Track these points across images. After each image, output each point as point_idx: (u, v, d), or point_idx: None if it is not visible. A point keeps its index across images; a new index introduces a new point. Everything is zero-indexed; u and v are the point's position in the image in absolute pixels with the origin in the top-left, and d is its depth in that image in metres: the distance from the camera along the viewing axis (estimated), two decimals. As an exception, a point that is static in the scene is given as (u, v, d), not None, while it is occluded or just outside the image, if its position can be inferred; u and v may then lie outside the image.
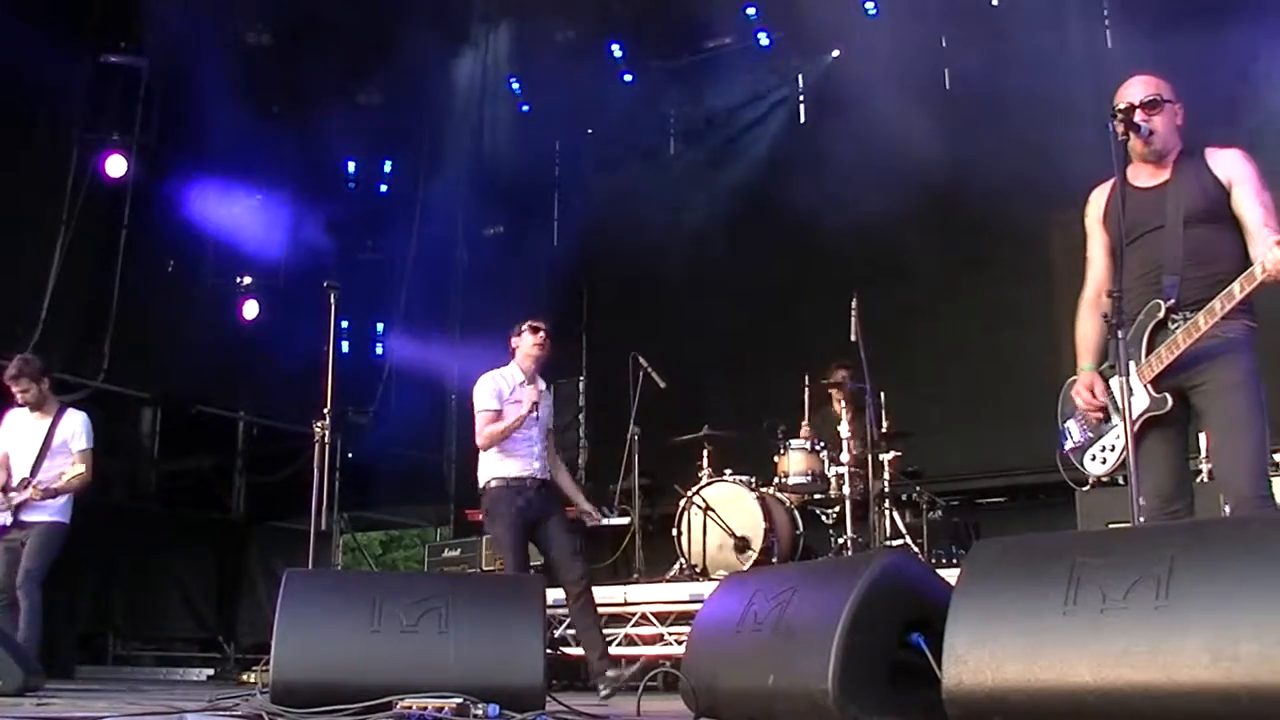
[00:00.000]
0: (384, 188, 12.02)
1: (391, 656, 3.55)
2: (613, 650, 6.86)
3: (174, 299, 10.05)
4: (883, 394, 7.13)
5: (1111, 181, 3.68)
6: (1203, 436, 6.49)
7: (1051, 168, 8.62)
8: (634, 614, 6.74)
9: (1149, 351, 3.50)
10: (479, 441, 5.63)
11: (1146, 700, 2.26)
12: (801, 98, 10.70)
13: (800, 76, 10.67)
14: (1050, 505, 7.37)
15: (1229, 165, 3.50)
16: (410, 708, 3.28)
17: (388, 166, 11.99)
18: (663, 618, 6.65)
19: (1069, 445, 3.88)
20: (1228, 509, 3.46)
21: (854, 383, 7.00)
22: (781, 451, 7.28)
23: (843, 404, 7.08)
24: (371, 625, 3.59)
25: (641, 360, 7.94)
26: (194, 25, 9.33)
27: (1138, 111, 3.53)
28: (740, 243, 9.47)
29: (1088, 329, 3.77)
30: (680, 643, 6.17)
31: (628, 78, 10.88)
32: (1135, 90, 3.59)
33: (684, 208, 10.24)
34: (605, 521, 8.62)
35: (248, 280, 10.58)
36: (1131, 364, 3.46)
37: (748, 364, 9.46)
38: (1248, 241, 3.41)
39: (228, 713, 3.83)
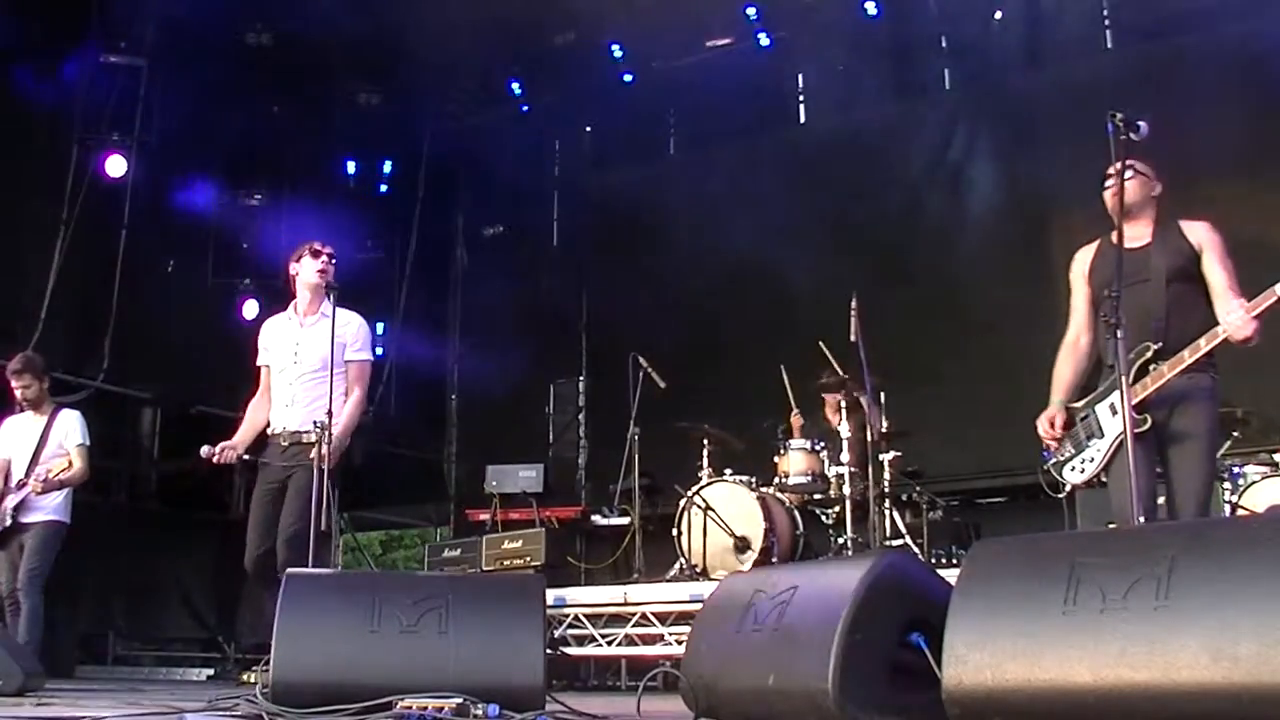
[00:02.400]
0: (384, 188, 12.01)
1: (391, 656, 3.54)
2: (613, 650, 6.88)
3: (174, 299, 10.04)
4: (883, 394, 7.12)
5: (1095, 243, 4.24)
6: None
7: (1051, 167, 8.65)
8: (634, 614, 6.73)
9: (1134, 382, 3.85)
10: None
11: (1146, 700, 2.26)
12: (801, 98, 10.70)
13: (800, 76, 10.67)
14: (1050, 505, 7.36)
15: (1200, 234, 4.02)
16: (410, 708, 3.28)
17: (388, 166, 11.97)
18: (663, 618, 6.64)
19: (1051, 461, 4.31)
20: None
21: (853, 383, 6.99)
22: (781, 451, 7.27)
23: (842, 407, 7.06)
24: (371, 625, 3.59)
25: (641, 360, 7.94)
26: (194, 25, 9.33)
27: (1109, 179, 4.01)
28: (740, 243, 9.46)
29: (1064, 369, 4.27)
30: (680, 643, 6.17)
31: (628, 78, 10.87)
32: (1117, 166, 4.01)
33: (684, 207, 10.24)
34: (604, 522, 8.67)
35: (247, 280, 10.58)
36: (1117, 394, 3.85)
37: (748, 364, 9.45)
38: (1213, 300, 3.93)
39: (228, 713, 3.83)
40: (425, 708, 3.26)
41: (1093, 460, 4.08)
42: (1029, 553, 2.75)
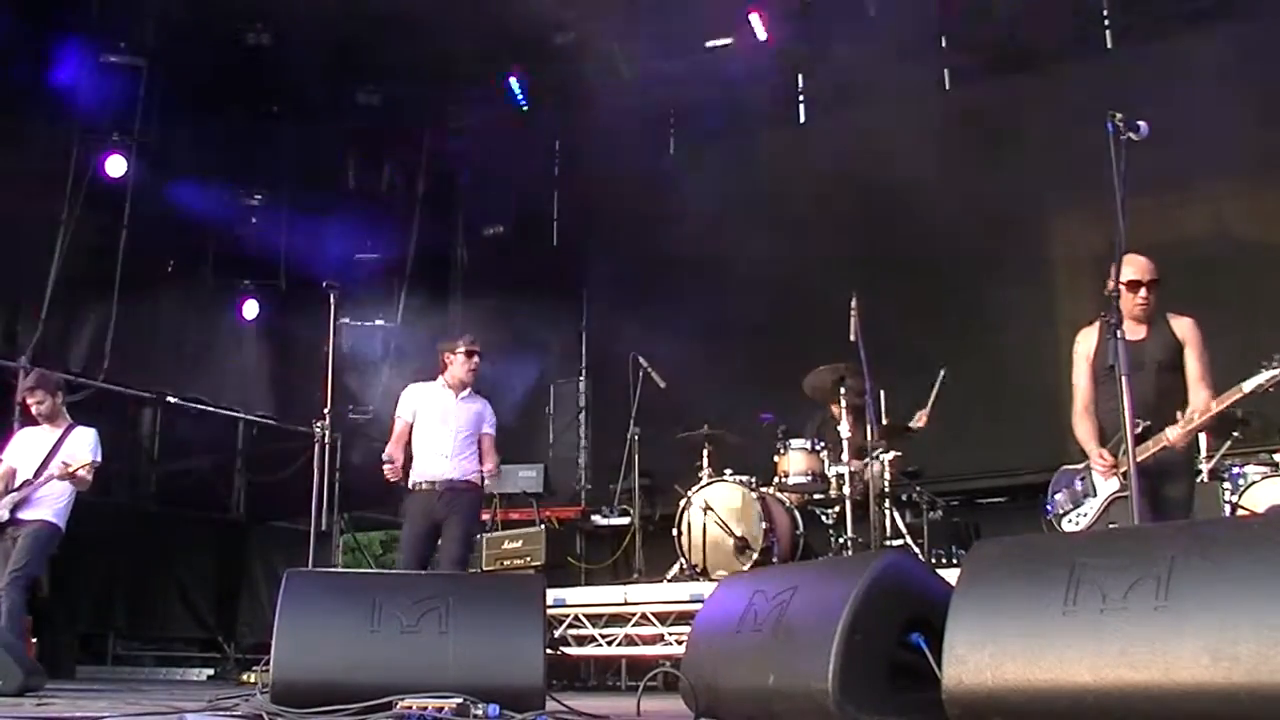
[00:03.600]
0: (384, 187, 12.01)
1: (391, 656, 3.54)
2: (613, 650, 6.88)
3: (174, 299, 10.04)
4: (883, 394, 7.12)
5: (1096, 325, 4.67)
6: (1203, 436, 6.59)
7: (1052, 168, 8.64)
8: (634, 614, 6.74)
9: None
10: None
11: (1146, 700, 2.26)
12: (801, 98, 10.70)
13: (800, 76, 10.67)
14: (1050, 505, 7.38)
15: (1184, 331, 4.60)
16: (410, 708, 3.28)
17: (387, 166, 11.97)
18: (663, 618, 6.65)
19: (1052, 511, 4.84)
20: None
21: (854, 382, 6.98)
22: (781, 451, 7.27)
23: (843, 405, 7.06)
24: (371, 625, 3.59)
25: (641, 360, 7.93)
26: (194, 25, 9.33)
27: (1142, 289, 4.51)
28: (740, 243, 9.47)
29: (1084, 430, 4.74)
30: (680, 643, 6.17)
31: (628, 78, 10.86)
32: (1143, 269, 4.53)
33: (684, 207, 10.23)
34: (604, 522, 8.67)
35: (247, 280, 10.58)
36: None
37: (748, 364, 9.45)
38: (1189, 388, 4.52)
39: (228, 713, 3.83)
40: (425, 708, 3.26)
41: (1085, 515, 4.69)
42: (1029, 553, 2.75)
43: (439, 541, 6.06)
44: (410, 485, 6.09)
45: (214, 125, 9.84)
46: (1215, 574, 2.28)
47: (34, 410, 6.20)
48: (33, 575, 5.96)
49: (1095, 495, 4.68)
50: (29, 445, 6.20)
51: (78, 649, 9.39)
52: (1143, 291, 4.56)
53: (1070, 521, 4.75)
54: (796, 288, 9.16)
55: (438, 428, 6.09)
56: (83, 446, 6.13)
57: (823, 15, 9.89)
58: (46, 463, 6.06)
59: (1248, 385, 4.27)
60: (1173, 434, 4.39)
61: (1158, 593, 2.32)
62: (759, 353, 9.37)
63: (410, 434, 6.15)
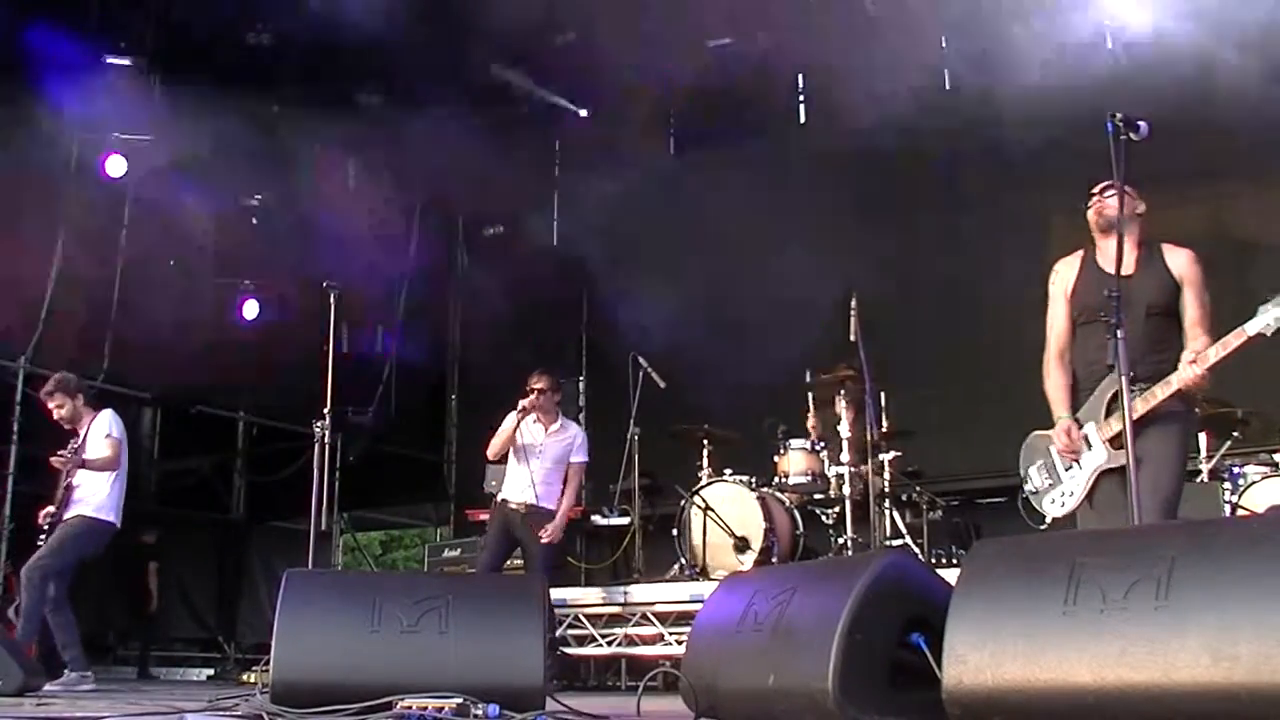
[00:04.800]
0: (384, 188, 11.99)
1: (391, 656, 3.55)
2: (612, 650, 6.88)
3: (174, 299, 10.04)
4: (883, 394, 7.12)
5: (1078, 255, 4.21)
6: (1203, 436, 6.57)
7: (1052, 167, 8.64)
8: (634, 614, 6.75)
9: (1107, 415, 3.97)
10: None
11: (1146, 700, 2.26)
12: (801, 98, 10.69)
13: (800, 76, 10.66)
14: (1050, 505, 7.38)
15: (1182, 266, 4.03)
16: (410, 708, 3.28)
17: (387, 166, 11.95)
18: (663, 618, 6.65)
19: (1029, 489, 4.27)
20: None
21: (854, 383, 6.99)
22: (781, 451, 7.27)
23: (844, 404, 7.07)
24: (371, 625, 3.60)
25: (641, 360, 7.94)
26: (194, 25, 9.32)
27: (1094, 197, 4.07)
28: (740, 242, 9.47)
29: (1055, 383, 4.18)
30: (680, 643, 6.18)
31: (628, 78, 10.86)
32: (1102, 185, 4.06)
33: (683, 207, 10.23)
34: (604, 522, 8.67)
35: (247, 280, 10.58)
36: (1093, 424, 4.01)
37: (748, 364, 9.45)
38: (1185, 335, 3.96)
39: (228, 713, 3.83)
40: (425, 708, 3.26)
41: (1071, 494, 4.09)
42: (1029, 553, 2.75)
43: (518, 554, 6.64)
44: (499, 499, 6.59)
45: (214, 125, 9.83)
46: (1215, 574, 2.28)
47: (55, 415, 6.18)
48: (52, 570, 5.90)
49: (1080, 467, 4.06)
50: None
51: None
52: (1093, 199, 4.05)
53: (1053, 502, 4.16)
54: (796, 288, 9.14)
55: (528, 458, 6.50)
56: (98, 436, 6.11)
57: (823, 15, 9.88)
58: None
59: (1251, 328, 3.69)
60: (1189, 375, 3.77)
61: (1158, 593, 2.32)
62: (759, 352, 9.36)
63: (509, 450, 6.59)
